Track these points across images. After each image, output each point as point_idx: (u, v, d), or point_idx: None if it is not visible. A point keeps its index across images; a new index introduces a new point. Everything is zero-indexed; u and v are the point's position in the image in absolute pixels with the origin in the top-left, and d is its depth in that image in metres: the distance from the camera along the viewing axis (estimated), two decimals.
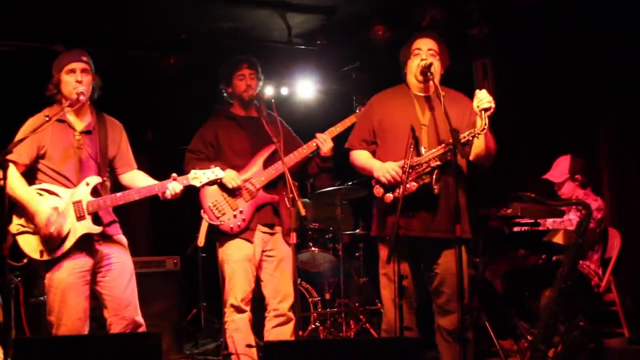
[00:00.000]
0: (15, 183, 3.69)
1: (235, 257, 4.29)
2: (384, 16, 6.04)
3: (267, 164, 4.36)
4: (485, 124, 3.62)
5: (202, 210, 4.30)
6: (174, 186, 3.84)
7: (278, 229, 4.38)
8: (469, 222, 3.91)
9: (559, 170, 5.09)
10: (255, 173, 4.34)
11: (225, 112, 4.51)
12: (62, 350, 3.04)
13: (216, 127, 4.44)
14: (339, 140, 4.53)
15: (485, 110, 3.62)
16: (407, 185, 3.68)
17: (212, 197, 4.28)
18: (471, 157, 3.85)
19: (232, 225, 4.26)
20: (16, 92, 6.06)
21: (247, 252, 4.29)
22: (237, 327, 4.31)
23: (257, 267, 4.36)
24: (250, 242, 4.29)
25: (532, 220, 4.85)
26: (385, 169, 3.79)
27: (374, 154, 4.00)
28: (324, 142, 4.35)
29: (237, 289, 4.29)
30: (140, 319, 3.92)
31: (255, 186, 4.30)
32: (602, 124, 5.58)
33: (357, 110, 4.52)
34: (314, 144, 4.36)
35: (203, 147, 4.39)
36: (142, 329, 3.91)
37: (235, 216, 4.27)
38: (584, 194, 5.03)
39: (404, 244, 3.79)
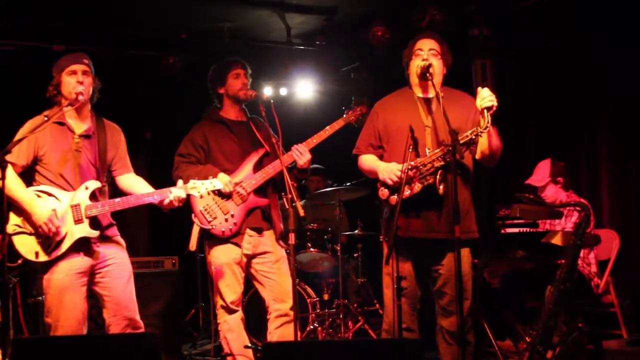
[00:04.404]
0: (13, 183, 3.68)
1: (222, 260, 4.29)
2: (383, 17, 6.04)
3: (256, 168, 4.36)
4: (488, 122, 3.64)
5: (193, 215, 4.29)
6: (177, 192, 3.83)
7: (267, 232, 4.38)
8: (476, 221, 3.92)
9: (540, 174, 5.13)
10: (246, 177, 4.33)
11: (215, 115, 4.49)
12: (60, 350, 3.02)
13: (206, 130, 4.42)
14: (337, 141, 4.53)
15: (488, 108, 3.64)
16: (412, 186, 3.70)
17: (203, 201, 4.26)
18: (477, 156, 3.87)
19: (223, 229, 4.25)
20: (16, 92, 6.07)
21: (234, 256, 4.29)
22: (230, 328, 4.34)
23: (250, 271, 4.37)
24: (239, 246, 4.29)
25: (531, 221, 4.86)
26: (389, 171, 3.81)
27: (381, 158, 4.02)
28: (302, 154, 4.33)
29: (225, 292, 4.31)
30: (139, 319, 3.92)
31: (246, 190, 4.29)
32: (601, 125, 5.57)
33: (345, 115, 4.51)
34: (292, 155, 4.33)
35: (194, 150, 4.37)
36: (141, 329, 3.92)
37: (226, 220, 4.26)
38: (566, 196, 5.04)
39: (406, 245, 3.80)
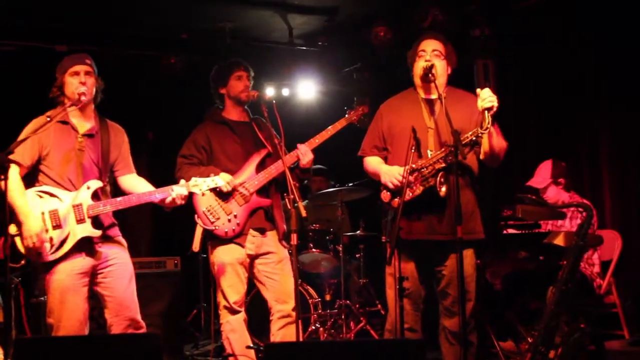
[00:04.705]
0: (14, 191, 3.67)
1: (226, 260, 4.29)
2: (385, 17, 6.03)
3: (258, 168, 4.36)
4: (489, 123, 3.63)
5: (195, 216, 4.29)
6: (179, 190, 3.83)
7: (269, 233, 4.38)
8: (482, 222, 3.92)
9: (541, 175, 5.12)
10: (249, 177, 4.33)
11: (217, 116, 4.50)
12: (62, 350, 3.03)
13: (208, 131, 4.42)
14: (340, 141, 4.53)
15: (488, 109, 3.63)
16: (413, 188, 3.70)
17: (206, 202, 4.27)
18: (481, 157, 3.86)
19: (226, 230, 4.25)
20: (16, 92, 6.07)
21: (238, 256, 4.29)
22: (233, 328, 4.34)
23: (253, 271, 4.37)
24: (242, 246, 4.29)
25: (533, 222, 4.86)
26: (391, 174, 3.81)
27: (385, 160, 4.02)
28: (304, 154, 4.34)
29: (229, 292, 4.30)
30: (140, 319, 3.92)
31: (249, 190, 4.30)
32: (602, 125, 5.57)
33: (347, 115, 4.52)
34: (295, 155, 4.34)
35: (196, 151, 4.38)
36: (142, 329, 3.92)
37: (229, 220, 4.26)
38: (568, 197, 5.04)
39: (409, 246, 3.79)
